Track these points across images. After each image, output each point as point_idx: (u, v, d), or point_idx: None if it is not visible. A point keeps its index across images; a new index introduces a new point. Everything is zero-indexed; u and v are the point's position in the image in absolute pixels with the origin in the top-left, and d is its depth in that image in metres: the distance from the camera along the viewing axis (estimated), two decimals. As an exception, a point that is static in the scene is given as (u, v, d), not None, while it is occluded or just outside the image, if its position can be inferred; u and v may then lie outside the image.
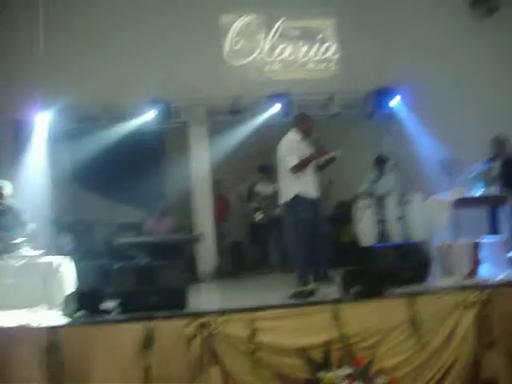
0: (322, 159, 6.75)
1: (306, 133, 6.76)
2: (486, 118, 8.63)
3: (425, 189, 8.11)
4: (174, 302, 5.13)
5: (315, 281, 6.25)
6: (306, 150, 6.67)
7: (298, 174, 6.56)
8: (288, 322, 4.87)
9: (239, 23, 10.12)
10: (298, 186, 6.58)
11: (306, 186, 6.63)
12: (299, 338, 4.79)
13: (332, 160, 6.78)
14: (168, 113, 9.47)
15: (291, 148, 6.64)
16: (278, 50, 10.12)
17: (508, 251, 6.33)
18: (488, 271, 6.00)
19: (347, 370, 4.63)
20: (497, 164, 7.17)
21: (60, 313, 5.20)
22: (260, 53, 10.11)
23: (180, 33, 9.63)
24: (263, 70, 10.09)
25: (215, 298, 7.53)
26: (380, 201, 8.53)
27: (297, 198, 6.57)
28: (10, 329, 4.82)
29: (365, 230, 8.46)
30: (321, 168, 6.87)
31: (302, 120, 6.90)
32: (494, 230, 6.90)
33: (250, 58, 10.07)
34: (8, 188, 6.70)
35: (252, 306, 5.08)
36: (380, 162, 9.32)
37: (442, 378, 4.89)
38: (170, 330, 4.76)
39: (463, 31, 9.11)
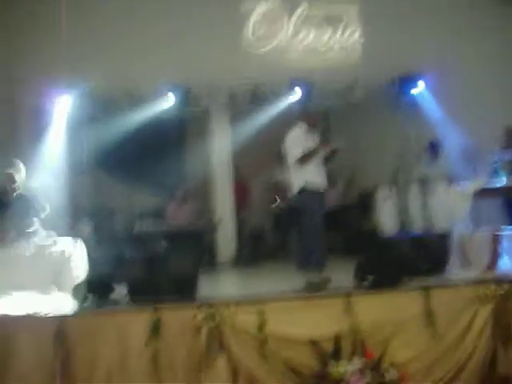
0: (325, 152, 6.86)
1: (312, 126, 6.92)
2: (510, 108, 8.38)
3: (447, 178, 7.95)
4: (184, 291, 5.05)
5: (312, 270, 6.33)
6: (310, 142, 6.81)
7: (304, 166, 6.72)
8: (299, 313, 4.77)
9: (261, 9, 9.97)
10: (303, 178, 6.75)
11: (312, 177, 6.76)
12: (309, 329, 4.69)
13: (335, 152, 6.93)
14: (189, 98, 9.41)
15: (296, 141, 6.83)
16: (300, 36, 9.95)
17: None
18: (508, 265, 5.83)
19: (358, 364, 4.52)
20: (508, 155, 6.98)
21: (70, 300, 5.16)
22: (282, 39, 9.96)
23: (203, 19, 9.54)
24: (285, 56, 9.93)
25: (230, 285, 7.45)
26: (402, 189, 8.40)
27: (304, 190, 6.74)
28: (18, 317, 4.79)
29: (386, 218, 8.32)
30: (327, 160, 6.97)
31: (307, 114, 7.13)
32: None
33: (272, 44, 9.92)
34: (22, 173, 6.63)
35: (263, 297, 4.98)
36: (433, 147, 9.16)
37: (456, 374, 4.76)
38: (178, 318, 4.70)
39: (489, 20, 8.86)
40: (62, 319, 4.67)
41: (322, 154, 6.85)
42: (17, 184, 6.47)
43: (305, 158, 6.70)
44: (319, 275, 5.85)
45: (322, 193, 6.82)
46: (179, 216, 9.40)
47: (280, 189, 9.83)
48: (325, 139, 6.83)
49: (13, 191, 6.47)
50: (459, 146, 7.60)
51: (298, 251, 6.98)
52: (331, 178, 10.12)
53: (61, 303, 5.16)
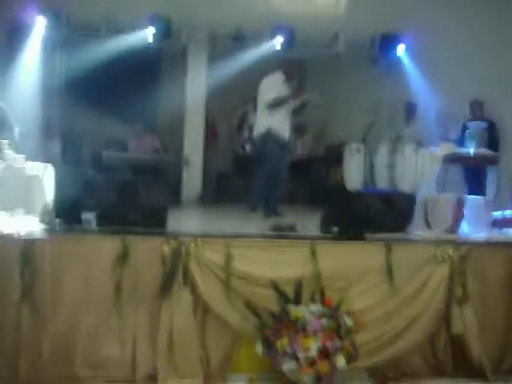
0: (298, 101, 7.01)
1: (290, 76, 7.04)
2: (481, 78, 8.46)
3: (418, 140, 8.08)
4: (152, 221, 5.06)
5: (265, 215, 6.82)
6: (285, 91, 6.96)
7: (273, 111, 6.85)
8: (264, 252, 4.84)
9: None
10: (270, 122, 6.91)
11: (278, 124, 6.92)
12: (273, 269, 4.77)
13: (306, 103, 7.09)
14: (168, 32, 9.30)
15: (272, 86, 7.00)
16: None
17: (491, 212, 6.34)
18: (469, 229, 6.01)
19: (317, 307, 4.65)
20: (480, 125, 7.16)
21: (37, 219, 5.13)
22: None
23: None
24: (270, 0, 9.79)
25: (195, 222, 7.50)
26: (371, 146, 8.50)
27: (267, 134, 6.91)
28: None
29: (352, 173, 8.44)
30: (295, 112, 7.15)
31: (287, 63, 7.25)
32: (479, 189, 6.90)
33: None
34: None
35: (230, 233, 5.06)
36: (409, 108, 9.20)
37: (408, 326, 4.92)
38: (145, 247, 4.73)
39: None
40: (29, 239, 4.63)
41: (292, 104, 7.00)
42: None
43: (275, 104, 6.84)
44: (280, 220, 6.03)
45: (284, 141, 6.98)
46: (140, 148, 9.36)
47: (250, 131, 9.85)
48: (299, 90, 6.98)
49: None
50: (433, 110, 7.69)
51: (251, 193, 7.27)
52: (300, 129, 10.28)
53: (28, 225, 5.13)
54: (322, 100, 7.33)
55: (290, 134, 7.12)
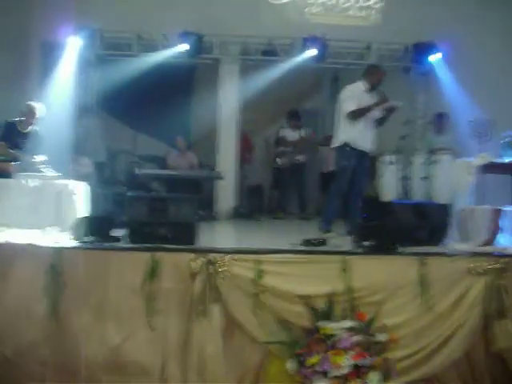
0: (381, 109, 6.63)
1: (373, 85, 6.67)
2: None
3: (453, 150, 7.93)
4: (183, 237, 5.06)
5: (349, 232, 6.27)
6: (367, 101, 6.58)
7: (353, 121, 6.50)
8: (295, 268, 4.78)
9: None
10: (349, 134, 6.55)
11: (358, 135, 6.55)
12: (304, 285, 4.70)
13: (391, 111, 6.66)
14: (200, 47, 9.33)
15: (353, 95, 6.59)
16: (318, -7, 9.80)
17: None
18: (507, 241, 5.82)
19: (349, 323, 4.56)
20: None
21: (70, 236, 5.17)
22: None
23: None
24: (302, 11, 9.78)
25: (227, 237, 7.49)
26: (405, 158, 8.37)
27: (344, 146, 6.55)
28: (16, 245, 4.82)
29: (386, 185, 8.31)
30: (380, 122, 6.78)
31: (373, 72, 6.79)
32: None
33: (289, -1, 9.77)
34: (42, 111, 6.66)
35: (260, 249, 5.00)
36: (440, 119, 9.10)
37: (444, 342, 4.78)
38: (176, 263, 4.70)
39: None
40: (59, 251, 4.69)
41: (376, 114, 6.65)
42: (36, 118, 6.53)
43: (358, 113, 6.49)
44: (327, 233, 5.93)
45: (363, 153, 6.64)
46: (181, 164, 9.40)
47: (285, 145, 9.83)
48: (382, 98, 6.56)
49: (30, 124, 6.53)
50: (470, 119, 7.54)
51: (324, 212, 6.82)
52: (329, 142, 10.17)
53: (60, 240, 5.17)
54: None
55: (371, 145, 6.75)
